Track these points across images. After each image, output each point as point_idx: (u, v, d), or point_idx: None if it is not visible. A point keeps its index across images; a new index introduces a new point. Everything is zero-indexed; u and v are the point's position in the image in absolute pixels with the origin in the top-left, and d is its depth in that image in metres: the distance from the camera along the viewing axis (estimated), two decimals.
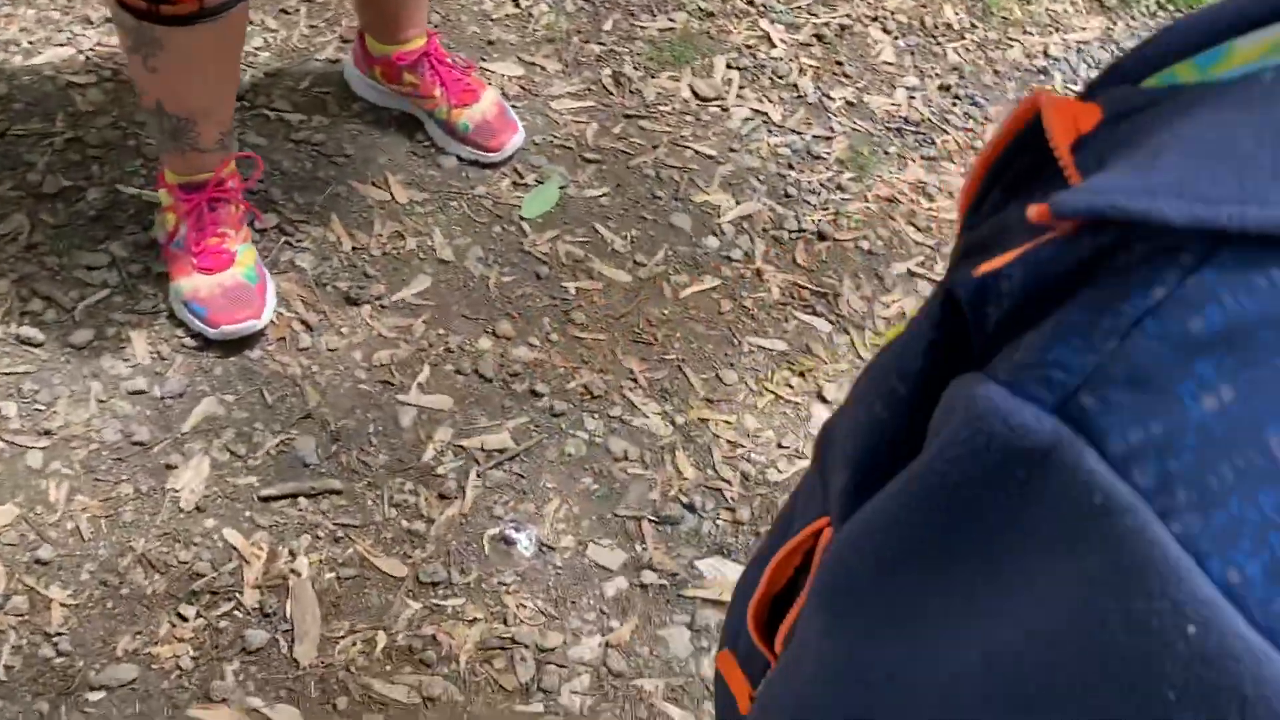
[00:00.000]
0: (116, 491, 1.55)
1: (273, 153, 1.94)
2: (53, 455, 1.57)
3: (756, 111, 2.17)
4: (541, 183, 1.99)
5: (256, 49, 2.09)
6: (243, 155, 1.79)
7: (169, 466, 1.58)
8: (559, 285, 1.86)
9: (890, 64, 2.31)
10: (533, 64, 2.17)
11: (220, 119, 1.64)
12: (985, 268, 0.44)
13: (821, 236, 2.00)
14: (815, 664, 0.46)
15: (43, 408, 1.61)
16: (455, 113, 1.96)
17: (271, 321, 1.73)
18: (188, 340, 1.70)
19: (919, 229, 2.04)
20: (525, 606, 1.52)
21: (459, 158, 1.99)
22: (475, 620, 1.50)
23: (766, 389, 1.80)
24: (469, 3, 2.24)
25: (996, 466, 0.36)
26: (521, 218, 1.94)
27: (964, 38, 2.38)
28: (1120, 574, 0.31)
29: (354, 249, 1.85)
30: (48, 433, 1.59)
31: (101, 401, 1.63)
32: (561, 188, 1.98)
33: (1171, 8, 2.52)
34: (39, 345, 1.67)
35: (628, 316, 1.84)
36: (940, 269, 1.98)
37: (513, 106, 2.04)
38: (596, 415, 1.72)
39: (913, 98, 2.25)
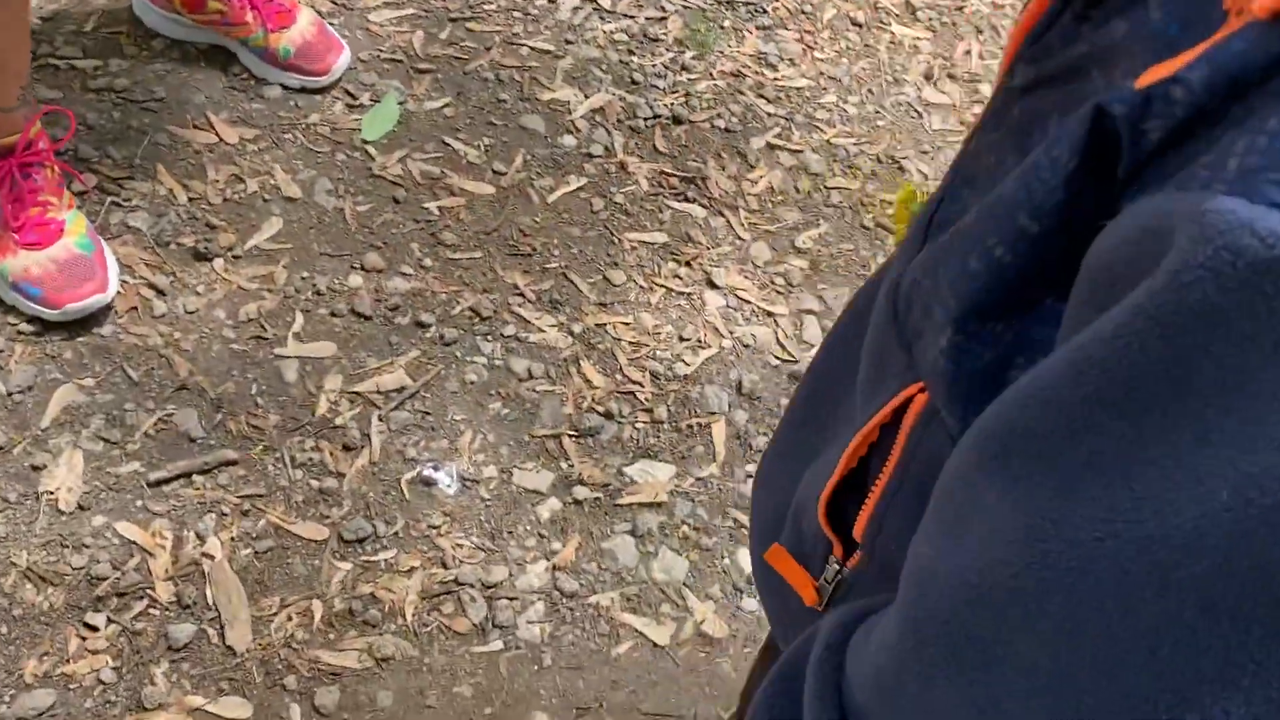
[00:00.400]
0: None
1: (72, 106, 1.73)
2: None
3: (585, 0, 2.08)
4: (378, 101, 1.85)
5: None
6: (48, 109, 1.59)
7: (36, 468, 1.42)
8: (420, 207, 1.75)
9: None
10: None
11: (17, 70, 1.45)
12: (1151, 77, 0.39)
13: (677, 120, 1.95)
14: (991, 531, 0.41)
15: None
16: (273, 38, 1.79)
17: (117, 292, 1.56)
18: (23, 326, 1.52)
19: (769, 100, 2.02)
20: (461, 545, 1.45)
21: (283, 86, 1.83)
22: (412, 569, 1.42)
23: (656, 284, 1.75)
24: None
25: (1244, 284, 0.32)
26: (364, 141, 1.81)
27: None
28: None
29: (190, 200, 1.69)
30: None
31: None
32: (400, 104, 1.86)
33: None
34: None
35: (499, 230, 1.76)
36: (798, 138, 1.97)
37: (329, 24, 1.89)
38: (490, 338, 1.64)
39: None
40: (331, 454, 1.49)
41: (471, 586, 1.42)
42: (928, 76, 2.12)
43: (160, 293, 1.59)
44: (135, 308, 1.57)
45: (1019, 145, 0.50)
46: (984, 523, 0.42)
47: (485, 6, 2.02)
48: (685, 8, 2.11)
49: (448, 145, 1.83)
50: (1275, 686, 0.34)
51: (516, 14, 2.03)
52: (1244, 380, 0.32)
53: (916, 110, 2.06)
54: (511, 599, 1.43)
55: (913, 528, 0.50)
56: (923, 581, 0.45)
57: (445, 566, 1.43)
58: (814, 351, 1.71)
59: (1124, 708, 0.36)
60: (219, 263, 1.63)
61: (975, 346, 0.48)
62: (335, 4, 1.97)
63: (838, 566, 0.62)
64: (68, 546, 1.37)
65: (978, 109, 2.08)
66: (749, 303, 1.76)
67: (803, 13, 2.17)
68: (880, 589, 0.55)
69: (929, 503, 0.47)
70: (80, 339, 1.53)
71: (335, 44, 1.83)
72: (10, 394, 1.47)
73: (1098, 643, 0.36)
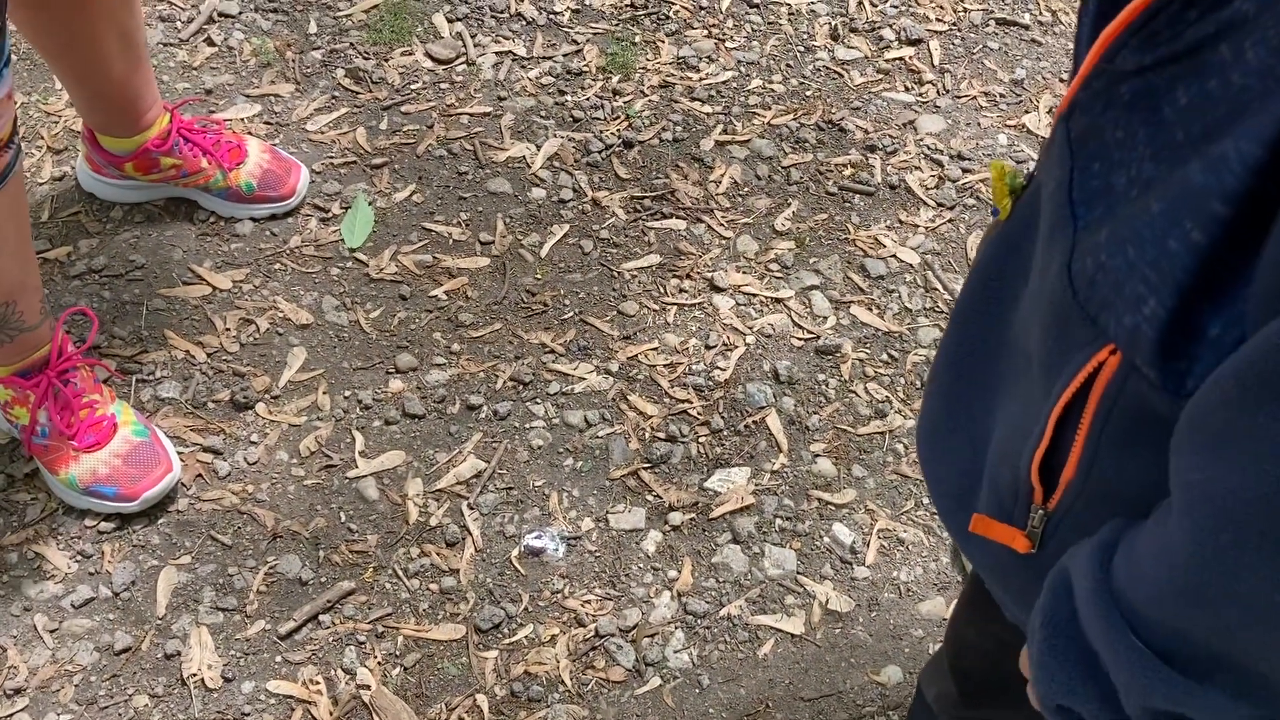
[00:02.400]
0: (133, 707, 1.40)
1: (61, 298, 1.73)
2: (40, 709, 1.39)
3: (500, 54, 2.13)
4: (349, 208, 1.88)
5: None
6: (72, 311, 1.59)
7: (170, 656, 1.44)
8: (427, 297, 1.79)
9: None
10: (263, 95, 2.02)
11: (36, 286, 1.45)
12: None
13: (628, 145, 2.01)
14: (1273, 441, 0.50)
15: None
16: (232, 176, 1.81)
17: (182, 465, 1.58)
18: (102, 525, 1.53)
19: (703, 101, 2.10)
20: (589, 601, 1.52)
21: (253, 219, 1.85)
22: (554, 637, 1.48)
23: (666, 303, 1.82)
24: (161, 62, 2.04)
25: None
26: (350, 250, 1.84)
27: None
28: None
29: (209, 355, 1.70)
30: (18, 691, 1.40)
31: (53, 630, 1.45)
32: (370, 203, 1.89)
33: None
34: None
35: (507, 296, 1.81)
36: (741, 129, 2.05)
37: (272, 145, 1.90)
38: (539, 400, 1.70)
39: None
40: (439, 554, 1.54)
41: (613, 636, 1.49)
42: (834, 36, 2.22)
43: (217, 453, 1.61)
44: (200, 475, 1.59)
45: (1147, 119, 0.59)
46: (1260, 438, 0.51)
47: (411, 87, 2.06)
48: (595, 34, 2.18)
49: (429, 231, 1.87)
50: None
51: (443, 86, 2.07)
52: None
53: (836, 71, 2.17)
54: (651, 635, 1.50)
55: (1127, 462, 0.62)
56: (1210, 497, 0.55)
57: (582, 625, 1.50)
58: (831, 323, 1.80)
59: None
60: (261, 407, 1.65)
61: (1175, 313, 0.58)
62: (270, 125, 1.99)
63: (1042, 511, 0.71)
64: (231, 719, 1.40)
65: (888, 54, 2.19)
66: (755, 295, 1.84)
67: (701, 9, 2.25)
68: (1098, 518, 0.65)
69: (1175, 437, 0.56)
70: (160, 521, 1.54)
71: (292, 165, 1.86)
72: (118, 594, 1.48)
73: None
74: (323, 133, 1.98)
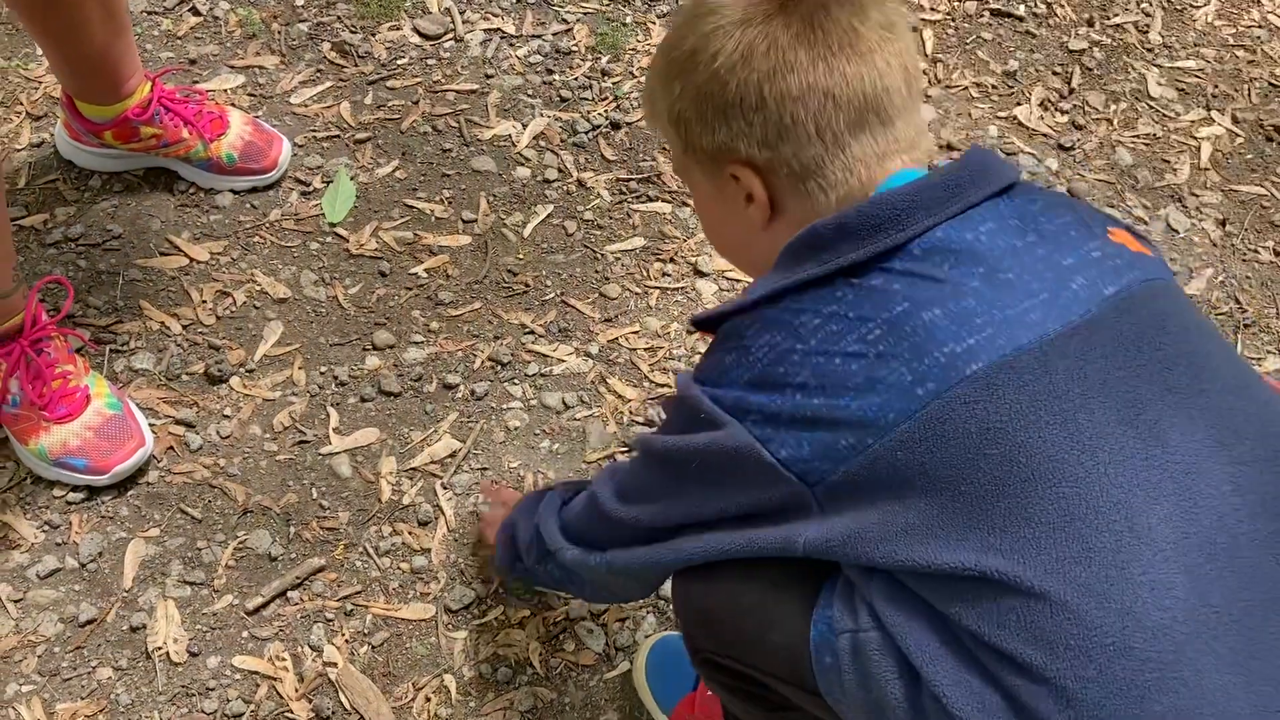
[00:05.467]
0: (96, 680, 1.38)
1: (36, 266, 1.71)
2: (2, 679, 1.38)
3: (489, 31, 2.11)
4: (330, 182, 1.86)
5: None
6: (48, 280, 1.57)
7: (135, 629, 1.42)
8: (407, 274, 1.78)
9: None
10: (248, 67, 2.00)
11: (7, 253, 1.43)
12: None
13: (615, 126, 2.00)
14: None
15: None
16: (213, 147, 1.78)
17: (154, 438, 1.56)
18: (70, 496, 1.51)
19: None
20: None
21: (233, 191, 1.82)
22: (524, 620, 1.47)
23: (649, 287, 1.81)
24: (145, 30, 2.02)
25: None
26: (331, 225, 1.82)
27: None
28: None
29: (185, 327, 1.68)
30: None
31: (17, 600, 1.43)
32: (352, 178, 1.87)
33: None
34: None
35: (489, 276, 1.79)
36: None
37: (257, 118, 1.88)
38: (517, 381, 1.68)
39: None
40: (410, 533, 1.53)
41: (584, 620, 1.47)
42: None
43: (190, 426, 1.59)
44: (171, 447, 1.57)
45: None
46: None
47: (398, 62, 2.04)
48: (585, 14, 2.16)
49: (411, 207, 1.85)
50: None
51: (430, 61, 2.05)
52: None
53: None
54: (622, 620, 1.48)
55: None
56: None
57: (552, 608, 1.48)
58: None
59: None
60: (235, 381, 1.64)
61: None
62: (254, 96, 1.96)
63: None
64: (195, 695, 1.38)
65: None
66: (738, 281, 1.83)
67: None
68: None
69: None
70: (130, 493, 1.53)
71: (274, 137, 1.83)
72: (84, 565, 1.46)
73: None
74: (306, 106, 1.96)
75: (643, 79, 2.06)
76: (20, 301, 1.46)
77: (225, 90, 1.95)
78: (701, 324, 0.98)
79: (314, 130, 1.92)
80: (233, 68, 1.99)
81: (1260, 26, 2.33)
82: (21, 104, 1.90)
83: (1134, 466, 0.81)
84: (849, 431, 0.83)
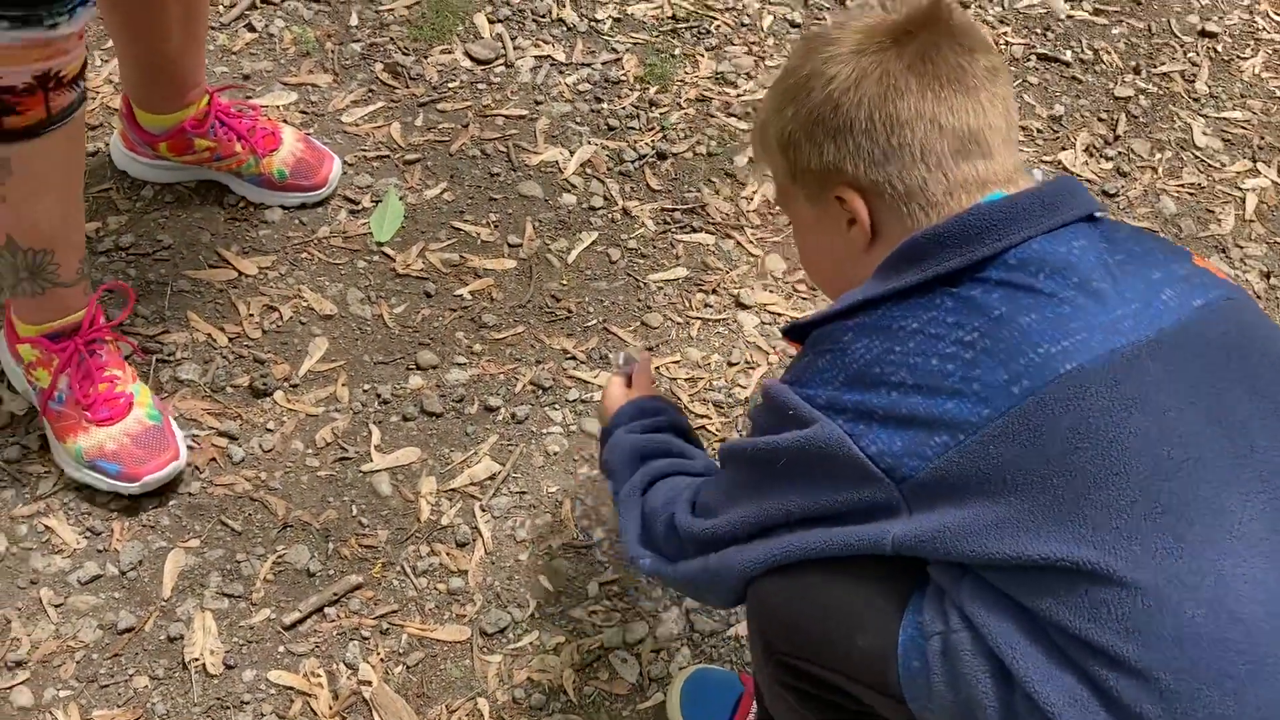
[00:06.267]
0: (133, 688, 1.39)
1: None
2: (40, 683, 1.38)
3: (539, 58, 2.13)
4: (379, 201, 1.88)
5: None
6: (111, 286, 1.59)
7: (173, 639, 1.43)
8: (452, 296, 1.79)
9: None
10: (301, 84, 2.02)
11: (78, 243, 1.46)
12: None
13: (661, 156, 2.01)
14: None
15: None
16: (265, 163, 1.80)
17: (190, 447, 1.57)
18: (114, 504, 1.52)
19: (739, 117, 2.09)
20: (595, 612, 1.50)
21: (283, 207, 1.84)
22: (559, 646, 1.47)
23: (690, 317, 1.81)
24: None
25: None
26: (378, 244, 1.83)
27: None
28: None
29: (231, 340, 1.70)
30: (19, 664, 1.39)
31: (58, 605, 1.44)
32: (401, 198, 1.88)
33: None
34: None
35: (532, 300, 1.80)
36: None
37: (307, 134, 1.90)
38: (557, 406, 1.69)
39: None
40: (448, 554, 1.53)
41: (617, 649, 1.47)
42: None
43: (233, 438, 1.60)
44: (214, 459, 1.58)
45: None
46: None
47: (449, 85, 2.06)
48: (635, 44, 2.17)
49: (458, 230, 1.87)
50: None
51: (480, 85, 2.07)
52: None
53: None
54: (657, 651, 1.48)
55: None
56: None
57: (587, 635, 1.48)
58: None
59: None
60: (279, 395, 1.65)
61: None
62: (306, 114, 1.98)
63: None
64: (230, 708, 1.38)
65: None
66: (781, 315, 1.83)
67: (743, 25, 2.25)
68: None
69: None
70: (171, 503, 1.54)
71: (325, 155, 1.85)
72: (124, 573, 1.47)
73: None
74: (358, 125, 1.98)
75: (689, 110, 2.08)
76: (81, 299, 1.48)
77: (278, 107, 1.98)
78: (792, 333, 1.01)
79: (364, 149, 1.94)
80: (286, 85, 2.02)
81: None
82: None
83: (1224, 465, 0.84)
84: (943, 430, 0.86)
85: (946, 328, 0.88)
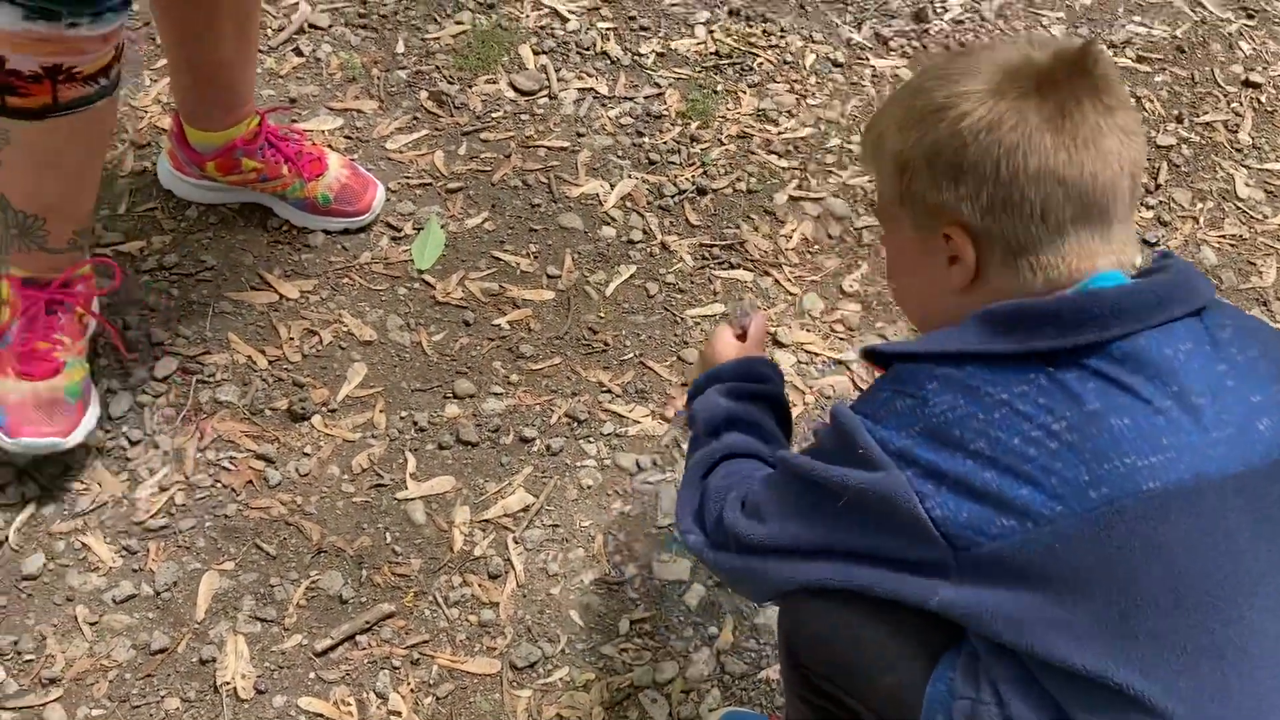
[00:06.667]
0: (164, 709, 1.39)
1: (128, 292, 1.74)
2: (73, 701, 1.39)
3: (583, 91, 2.14)
4: (421, 229, 1.89)
5: None
6: (99, 260, 1.61)
7: (205, 661, 1.43)
8: (490, 325, 1.79)
9: (676, 4, 2.32)
10: (346, 110, 2.04)
11: (77, 217, 1.50)
12: None
13: (701, 191, 2.01)
14: None
15: (32, 656, 1.41)
16: (310, 187, 1.82)
17: (226, 469, 1.58)
18: (150, 522, 1.53)
19: (780, 154, 2.09)
20: (625, 649, 1.50)
21: (325, 231, 1.86)
22: (589, 683, 1.46)
23: None
24: None
25: None
26: (419, 271, 1.84)
27: None
28: None
29: (271, 362, 1.71)
30: (53, 681, 1.40)
31: (93, 624, 1.45)
32: (442, 227, 1.90)
33: None
34: None
35: (569, 331, 1.80)
36: (816, 186, 2.05)
37: (351, 160, 1.92)
38: (592, 439, 1.69)
39: (712, 31, 2.29)
40: (480, 585, 1.53)
41: (647, 688, 1.47)
42: None
43: (270, 462, 1.61)
44: (250, 481, 1.59)
45: None
46: None
47: (493, 115, 2.07)
48: (678, 80, 2.18)
49: (498, 259, 1.88)
50: None
51: (524, 117, 2.08)
52: None
53: None
54: (687, 692, 1.47)
55: None
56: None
57: (617, 673, 1.48)
58: None
59: None
60: (317, 419, 1.66)
61: None
62: (350, 139, 2.00)
63: None
64: None
65: None
66: (818, 355, 1.83)
67: (785, 63, 2.25)
68: None
69: None
70: (208, 524, 1.54)
71: (369, 181, 1.87)
72: (159, 593, 1.48)
73: None
74: (401, 152, 1.99)
75: (729, 146, 2.08)
76: (63, 264, 1.52)
77: (323, 131, 1.99)
78: (873, 356, 1.00)
79: (407, 177, 1.96)
80: (331, 109, 2.03)
81: None
82: (127, 132, 1.95)
83: None
84: (1011, 514, 0.85)
85: (1036, 408, 0.86)
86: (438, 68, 2.12)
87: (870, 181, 2.06)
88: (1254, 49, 2.41)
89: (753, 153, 2.09)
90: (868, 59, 2.28)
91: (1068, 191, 0.91)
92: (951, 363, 0.91)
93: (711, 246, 1.94)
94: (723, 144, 2.09)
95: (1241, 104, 2.31)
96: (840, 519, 0.95)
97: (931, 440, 0.89)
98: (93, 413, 1.55)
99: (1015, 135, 0.91)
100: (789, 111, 2.16)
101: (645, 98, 2.14)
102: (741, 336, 1.30)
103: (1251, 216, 2.13)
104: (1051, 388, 0.87)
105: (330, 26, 2.15)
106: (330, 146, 1.95)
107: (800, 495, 1.00)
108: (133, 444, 1.60)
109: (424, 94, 2.08)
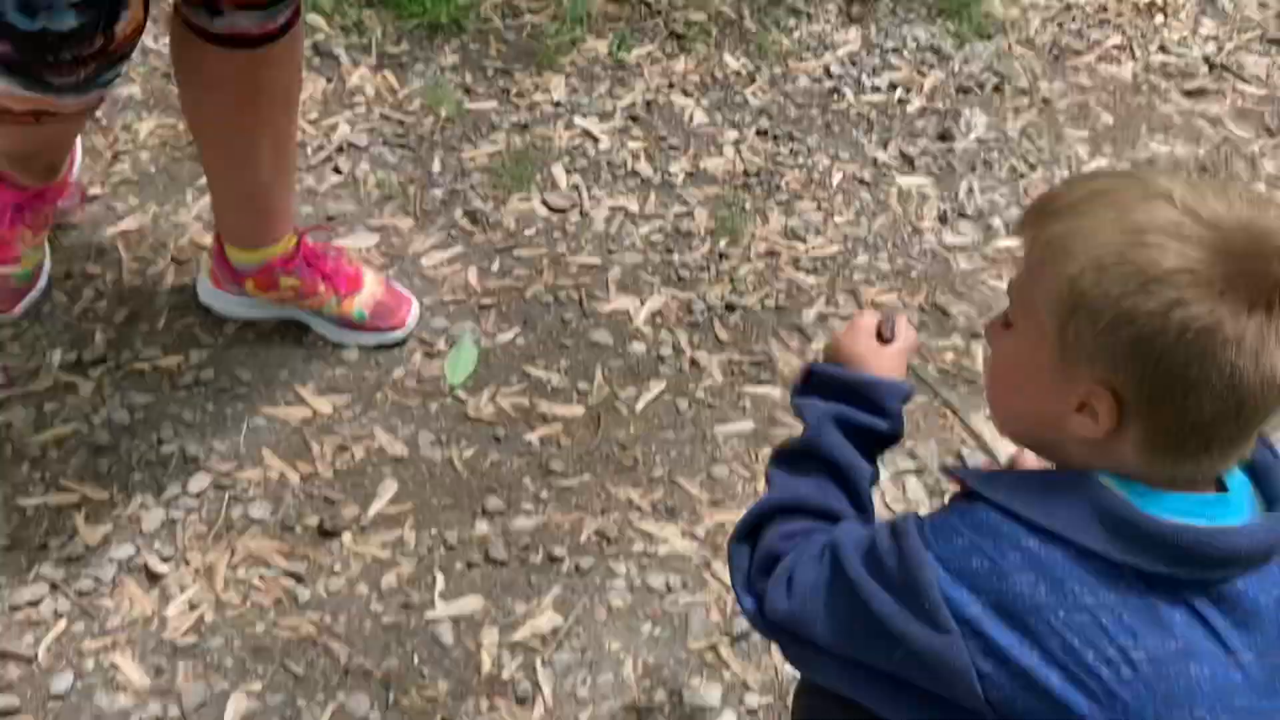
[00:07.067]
0: None
1: (167, 406, 1.77)
2: None
3: (614, 209, 2.18)
4: (454, 345, 1.91)
5: (92, 301, 1.90)
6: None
7: None
8: (521, 441, 1.80)
9: (705, 124, 2.38)
10: (383, 227, 2.08)
11: (54, 163, 1.78)
12: None
13: (730, 308, 2.03)
14: None
15: None
16: (346, 303, 1.85)
17: (257, 587, 1.58)
18: (180, 641, 1.53)
19: (808, 272, 2.12)
20: None
21: (360, 347, 1.88)
22: None
23: (758, 471, 1.81)
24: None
25: None
26: (451, 387, 1.86)
27: (754, 80, 2.49)
28: None
29: (303, 479, 1.72)
30: None
31: None
32: (476, 343, 1.92)
33: (905, 10, 2.73)
34: (15, 712, 1.45)
35: (599, 448, 1.81)
36: (843, 303, 2.06)
37: (387, 276, 1.95)
38: (621, 558, 1.68)
39: (739, 150, 2.33)
40: (509, 711, 1.51)
41: None
42: (943, 220, 2.25)
43: (299, 580, 1.61)
44: (279, 600, 1.59)
45: None
46: None
47: (525, 232, 2.11)
48: (706, 198, 2.22)
49: (529, 375, 1.89)
50: None
51: (556, 234, 2.12)
52: None
53: (942, 255, 2.18)
54: None
55: None
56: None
57: None
58: (925, 510, 1.77)
59: None
60: (347, 536, 1.66)
61: None
62: (386, 256, 2.04)
63: None
64: None
65: (995, 243, 2.20)
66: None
67: (812, 181, 2.29)
68: None
69: None
70: (237, 643, 1.54)
71: (404, 298, 1.90)
72: (186, 715, 1.47)
73: None
74: (436, 269, 2.03)
75: (758, 264, 2.11)
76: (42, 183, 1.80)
77: (361, 249, 2.03)
78: (958, 480, 0.93)
79: (441, 293, 1.99)
80: (369, 226, 2.08)
81: None
82: (168, 248, 1.99)
83: None
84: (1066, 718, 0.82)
85: (1119, 627, 0.82)
86: (473, 186, 2.17)
87: (897, 299, 2.08)
88: (1278, 167, 2.43)
89: (781, 270, 2.11)
90: (893, 177, 2.32)
91: (1240, 413, 0.82)
92: (1042, 537, 0.84)
93: (741, 363, 1.96)
94: (751, 261, 2.12)
95: None
96: (892, 659, 0.89)
97: (1003, 618, 0.83)
98: (38, 288, 1.87)
99: (1226, 352, 0.80)
100: (816, 229, 2.19)
101: (675, 215, 2.18)
102: (885, 339, 1.12)
103: None
104: (1143, 608, 0.83)
105: (368, 146, 2.21)
106: (367, 263, 1.98)
107: (853, 620, 0.91)
108: (164, 560, 1.61)
109: (459, 211, 2.12)
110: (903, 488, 1.81)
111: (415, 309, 1.90)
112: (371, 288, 1.88)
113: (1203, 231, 0.81)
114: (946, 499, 1.04)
